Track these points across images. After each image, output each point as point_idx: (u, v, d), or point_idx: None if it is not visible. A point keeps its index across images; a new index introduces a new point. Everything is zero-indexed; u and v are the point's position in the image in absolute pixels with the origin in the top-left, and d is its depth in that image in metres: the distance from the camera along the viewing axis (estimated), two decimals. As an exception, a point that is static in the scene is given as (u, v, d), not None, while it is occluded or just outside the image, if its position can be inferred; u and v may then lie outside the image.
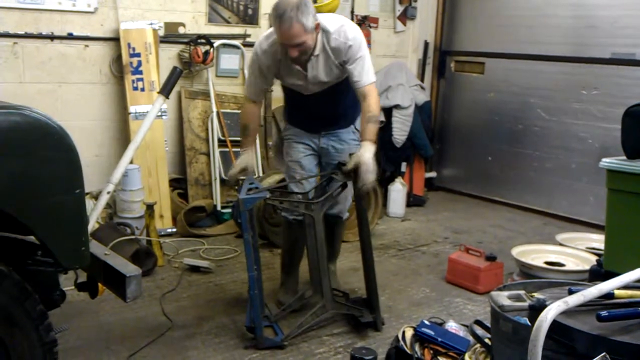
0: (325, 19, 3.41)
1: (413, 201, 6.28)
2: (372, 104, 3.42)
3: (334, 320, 3.59)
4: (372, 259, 3.54)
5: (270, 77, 3.61)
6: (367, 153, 3.33)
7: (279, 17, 3.20)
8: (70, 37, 4.83)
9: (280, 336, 3.33)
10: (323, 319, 3.47)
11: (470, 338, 2.98)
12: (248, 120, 3.70)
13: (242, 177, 3.52)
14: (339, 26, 3.41)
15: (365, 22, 6.36)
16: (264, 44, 3.49)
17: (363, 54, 3.43)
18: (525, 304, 2.21)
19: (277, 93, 4.65)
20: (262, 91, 3.69)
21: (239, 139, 5.45)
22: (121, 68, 4.99)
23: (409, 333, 3.11)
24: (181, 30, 5.31)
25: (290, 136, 3.78)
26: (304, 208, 3.44)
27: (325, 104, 3.63)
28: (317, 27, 3.32)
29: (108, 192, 3.94)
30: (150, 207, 4.37)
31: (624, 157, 3.30)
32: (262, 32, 5.58)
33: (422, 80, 6.81)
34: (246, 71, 5.20)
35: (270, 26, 3.44)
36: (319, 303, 3.45)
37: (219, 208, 5.25)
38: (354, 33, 3.42)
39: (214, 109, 5.33)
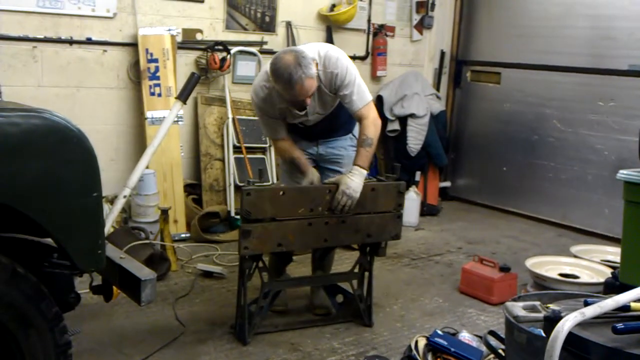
0: (307, 51, 3.29)
1: (427, 210, 6.27)
2: (368, 127, 3.37)
3: (347, 329, 3.60)
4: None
5: (279, 116, 3.51)
6: (354, 178, 3.29)
7: (287, 81, 3.12)
8: (89, 42, 4.87)
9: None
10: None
11: (484, 348, 2.98)
12: (291, 152, 3.57)
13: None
14: (321, 56, 3.34)
15: (382, 31, 6.36)
16: (260, 93, 3.42)
17: (351, 77, 3.35)
18: (541, 314, 2.21)
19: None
20: (283, 126, 3.56)
21: (254, 145, 5.52)
22: (138, 73, 5.02)
23: (422, 343, 3.12)
24: (199, 36, 5.34)
25: None
26: None
27: (322, 125, 3.61)
28: (316, 65, 3.27)
29: (124, 196, 3.95)
30: (164, 212, 4.39)
31: (642, 169, 3.28)
32: (276, 40, 5.65)
33: (437, 89, 6.81)
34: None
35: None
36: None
37: (232, 214, 5.26)
38: (337, 58, 3.35)
39: (230, 116, 5.35)
